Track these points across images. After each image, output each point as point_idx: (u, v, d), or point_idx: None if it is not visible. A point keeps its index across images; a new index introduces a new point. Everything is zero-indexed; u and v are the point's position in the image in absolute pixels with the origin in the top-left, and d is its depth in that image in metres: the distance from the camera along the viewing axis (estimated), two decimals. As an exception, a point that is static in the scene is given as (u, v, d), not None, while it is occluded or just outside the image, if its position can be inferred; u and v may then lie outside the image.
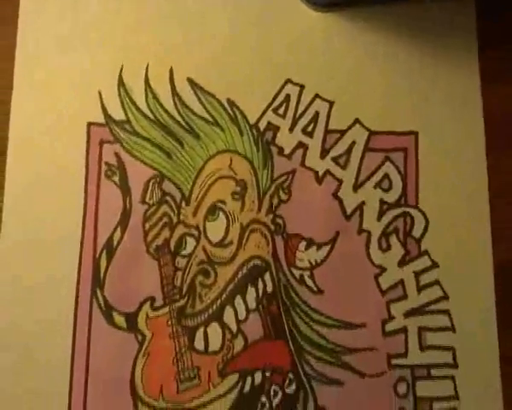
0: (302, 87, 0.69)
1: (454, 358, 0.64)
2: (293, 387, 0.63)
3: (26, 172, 0.67)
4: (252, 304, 0.64)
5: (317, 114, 0.68)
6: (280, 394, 0.63)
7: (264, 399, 0.63)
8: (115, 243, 0.65)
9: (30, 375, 0.63)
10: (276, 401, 0.63)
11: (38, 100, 0.68)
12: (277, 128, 0.68)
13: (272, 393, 0.63)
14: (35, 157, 0.67)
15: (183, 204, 0.66)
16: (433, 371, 0.64)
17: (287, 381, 0.63)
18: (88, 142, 0.68)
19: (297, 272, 0.65)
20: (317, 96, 0.69)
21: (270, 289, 0.65)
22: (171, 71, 0.69)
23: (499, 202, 0.67)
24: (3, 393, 0.62)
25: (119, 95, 0.68)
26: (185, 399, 0.63)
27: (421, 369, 0.64)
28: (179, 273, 0.65)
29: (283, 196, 0.67)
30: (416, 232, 0.66)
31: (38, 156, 0.67)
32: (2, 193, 0.66)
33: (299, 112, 0.69)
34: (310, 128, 0.68)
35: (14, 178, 0.66)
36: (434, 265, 0.66)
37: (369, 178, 0.68)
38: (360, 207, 0.67)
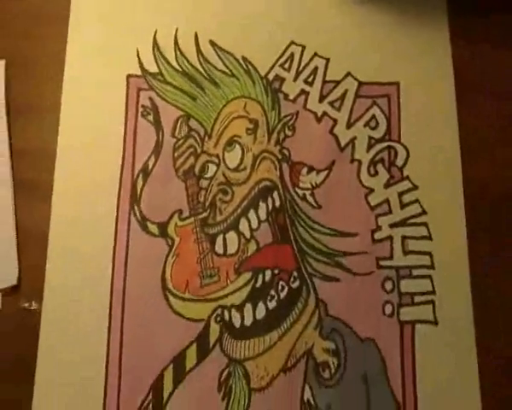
0: (303, 47, 0.84)
1: (431, 261, 0.76)
2: (297, 283, 0.75)
3: (78, 111, 0.81)
4: (263, 216, 0.77)
5: (316, 68, 0.83)
6: (286, 288, 0.75)
7: (273, 292, 0.75)
8: (150, 167, 0.79)
9: (78, 268, 0.75)
10: (282, 294, 0.75)
11: (88, 58, 0.83)
12: (283, 79, 0.83)
13: (280, 287, 0.75)
14: (85, 101, 0.81)
15: (206, 138, 0.80)
16: (414, 272, 0.76)
17: (291, 278, 0.76)
18: (127, 89, 0.82)
19: (300, 192, 0.78)
20: (315, 54, 0.84)
21: (277, 204, 0.78)
22: (196, 34, 0.84)
23: (466, 137, 0.81)
24: (56, 279, 0.74)
25: (153, 53, 0.83)
26: (207, 292, 0.75)
27: (404, 270, 0.76)
28: (202, 192, 0.78)
29: (288, 132, 0.81)
30: (399, 162, 0.80)
31: (88, 100, 0.81)
32: (58, 127, 0.80)
33: (301, 66, 0.83)
34: (310, 79, 0.83)
35: (68, 115, 0.80)
36: (414, 187, 0.79)
37: (359, 118, 0.82)
38: (352, 141, 0.81)
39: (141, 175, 0.78)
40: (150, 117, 0.81)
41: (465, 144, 0.80)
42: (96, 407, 0.72)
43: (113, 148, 0.80)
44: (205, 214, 0.77)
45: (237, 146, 0.79)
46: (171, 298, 0.75)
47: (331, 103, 0.82)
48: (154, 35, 0.84)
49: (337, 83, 0.83)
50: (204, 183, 0.78)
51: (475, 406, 0.71)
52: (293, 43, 0.84)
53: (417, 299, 0.75)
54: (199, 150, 0.79)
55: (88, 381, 0.72)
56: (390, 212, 0.78)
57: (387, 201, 0.78)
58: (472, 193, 0.78)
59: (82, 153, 0.79)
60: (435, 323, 0.74)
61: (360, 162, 0.80)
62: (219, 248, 0.76)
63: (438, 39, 0.83)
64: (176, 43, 0.83)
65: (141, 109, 0.81)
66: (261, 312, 0.74)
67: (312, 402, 0.72)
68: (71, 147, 0.80)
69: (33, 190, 0.78)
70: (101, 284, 0.75)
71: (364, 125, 0.81)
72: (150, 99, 0.81)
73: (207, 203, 0.77)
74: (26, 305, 0.74)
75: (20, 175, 0.79)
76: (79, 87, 0.82)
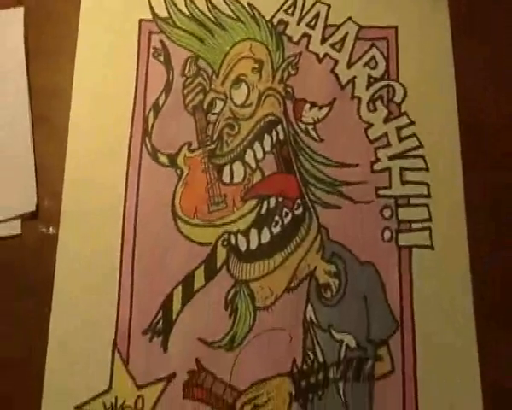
0: (306, -6, 0.88)
1: (428, 190, 0.80)
2: (301, 210, 0.79)
3: (93, 53, 0.86)
4: (267, 148, 0.81)
5: (318, 13, 0.87)
6: (290, 214, 0.79)
7: (277, 218, 0.79)
8: (161, 103, 0.83)
9: (92, 196, 0.79)
10: (286, 220, 0.79)
11: (102, 3, 0.88)
12: (287, 23, 0.87)
13: (284, 214, 0.79)
14: (99, 43, 0.86)
15: (214, 77, 0.84)
16: (412, 200, 0.80)
17: (295, 205, 0.79)
18: (139, 33, 0.87)
19: (303, 126, 0.83)
20: (317, 1, 0.88)
21: (281, 137, 0.82)
22: (204, -18, 0.88)
23: (461, 74, 0.84)
24: (72, 206, 0.79)
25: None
26: (214, 218, 0.79)
27: (402, 198, 0.80)
28: (210, 126, 0.82)
29: (292, 71, 0.85)
30: (397, 99, 0.84)
31: (102, 42, 0.86)
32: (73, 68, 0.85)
33: (304, 12, 0.88)
34: (312, 23, 0.87)
35: (84, 57, 0.85)
36: (412, 122, 0.83)
37: (359, 59, 0.86)
38: (352, 80, 0.85)
39: (152, 110, 0.82)
40: (161, 57, 0.85)
41: (460, 83, 0.83)
42: (108, 327, 0.76)
43: (125, 86, 0.84)
44: (212, 146, 0.81)
45: (243, 84, 0.84)
46: (180, 223, 0.78)
47: (332, 45, 0.86)
48: (165, -17, 0.88)
49: (338, 27, 0.87)
50: (212, 117, 0.82)
51: (469, 322, 0.75)
52: (296, -10, 0.88)
53: (415, 226, 0.79)
54: (207, 88, 0.84)
55: (101, 301, 0.76)
56: (389, 145, 0.82)
57: (386, 134, 0.82)
58: (466, 126, 0.82)
59: (96, 91, 0.84)
60: (432, 247, 0.78)
61: (360, 99, 0.84)
62: (226, 177, 0.80)
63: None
64: (186, -10, 0.88)
65: (152, 51, 0.85)
66: (266, 236, 0.78)
67: (314, 320, 0.75)
68: (86, 86, 0.84)
69: (50, 125, 0.83)
70: (114, 209, 0.79)
71: (364, 66, 0.85)
72: (161, 41, 0.86)
73: (215, 136, 0.82)
74: (44, 230, 0.78)
75: (37, 112, 0.83)
76: (94, 30, 0.86)
